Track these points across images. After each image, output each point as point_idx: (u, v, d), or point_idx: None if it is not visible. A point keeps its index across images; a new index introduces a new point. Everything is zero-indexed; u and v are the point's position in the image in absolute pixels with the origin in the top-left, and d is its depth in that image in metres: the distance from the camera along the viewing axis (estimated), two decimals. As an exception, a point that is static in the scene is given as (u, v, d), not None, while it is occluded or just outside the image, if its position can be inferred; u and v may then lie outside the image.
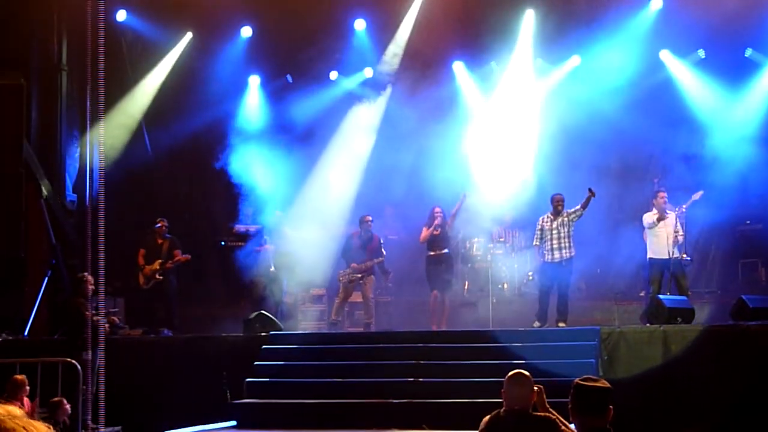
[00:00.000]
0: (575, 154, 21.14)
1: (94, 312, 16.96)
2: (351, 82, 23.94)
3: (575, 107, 21.62)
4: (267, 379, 16.22)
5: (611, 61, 21.56)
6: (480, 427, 8.20)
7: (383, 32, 23.30)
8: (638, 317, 17.94)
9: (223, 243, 21.63)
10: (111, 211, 22.53)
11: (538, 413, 8.08)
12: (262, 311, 18.73)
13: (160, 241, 19.87)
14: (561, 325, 17.86)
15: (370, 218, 19.87)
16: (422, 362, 15.86)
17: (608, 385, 7.05)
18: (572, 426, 7.98)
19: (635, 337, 15.42)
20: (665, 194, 18.31)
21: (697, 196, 18.48)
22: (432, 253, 19.41)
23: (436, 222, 19.38)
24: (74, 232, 21.42)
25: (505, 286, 21.76)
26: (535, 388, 8.19)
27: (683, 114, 21.70)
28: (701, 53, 22.01)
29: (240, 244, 20.47)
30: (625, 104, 21.46)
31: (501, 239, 22.02)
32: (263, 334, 17.50)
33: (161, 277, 19.61)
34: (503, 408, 8.11)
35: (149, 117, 23.24)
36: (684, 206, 18.29)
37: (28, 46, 21.52)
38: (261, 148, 21.36)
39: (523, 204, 21.44)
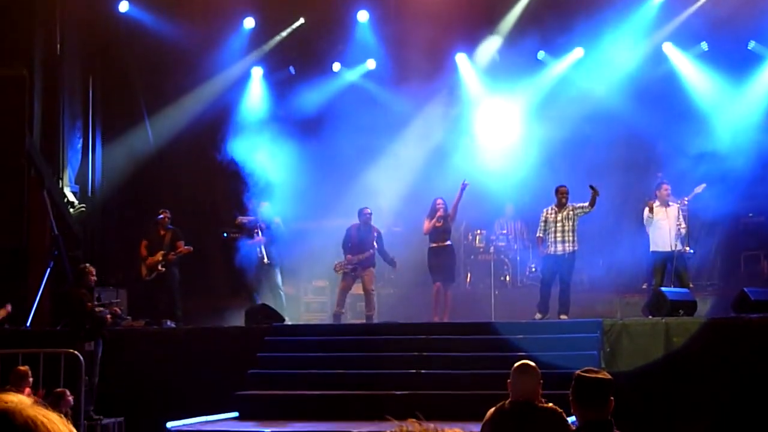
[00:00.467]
0: (578, 147, 21.12)
1: (96, 303, 17.03)
2: (354, 74, 23.92)
3: (578, 99, 21.62)
4: (269, 371, 16.23)
5: (614, 53, 21.55)
6: (485, 419, 8.19)
7: (386, 24, 23.26)
8: (640, 309, 17.92)
9: (225, 234, 21.62)
10: (113, 202, 22.74)
11: (545, 405, 8.07)
12: (264, 303, 18.76)
13: (162, 232, 19.85)
14: (563, 317, 17.85)
15: (369, 211, 19.86)
16: (424, 354, 15.87)
17: (609, 377, 7.07)
18: (570, 420, 7.99)
19: (637, 329, 15.43)
20: (669, 187, 18.30)
21: (699, 189, 18.47)
22: (434, 245, 19.39)
23: (438, 214, 19.36)
24: (76, 224, 21.46)
25: (508, 278, 21.78)
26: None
27: (686, 106, 21.66)
28: (704, 46, 21.98)
29: (241, 235, 20.45)
30: (628, 96, 21.45)
31: (503, 231, 22.03)
32: (265, 325, 17.51)
33: (164, 269, 19.59)
34: (509, 399, 8.10)
35: (151, 107, 23.27)
36: (686, 198, 18.29)
37: (31, 37, 21.50)
38: (263, 140, 21.34)
39: (525, 196, 21.44)
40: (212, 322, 19.32)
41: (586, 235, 19.08)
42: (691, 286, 17.86)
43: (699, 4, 21.39)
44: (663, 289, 16.52)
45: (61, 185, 21.59)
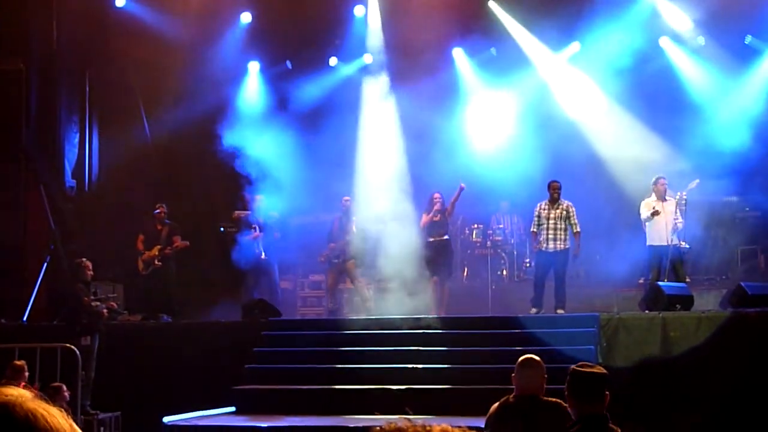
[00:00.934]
0: (574, 141, 21.14)
1: (92, 297, 17.02)
2: (350, 69, 23.92)
3: (575, 93, 21.64)
4: (266, 366, 16.24)
5: (611, 47, 21.55)
6: (489, 413, 8.19)
7: (383, 18, 23.25)
8: (637, 304, 17.93)
9: (222, 229, 21.61)
10: (110, 196, 22.70)
11: (549, 399, 8.07)
12: (262, 298, 18.76)
13: (159, 226, 19.85)
14: (560, 311, 17.87)
15: (348, 198, 19.92)
16: (421, 349, 15.87)
17: (603, 371, 7.07)
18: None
19: (634, 323, 15.42)
20: (665, 181, 18.32)
21: (693, 184, 18.48)
22: (431, 239, 19.40)
23: (435, 208, 19.38)
24: (73, 218, 21.44)
25: (505, 272, 21.80)
26: None
27: (683, 100, 21.68)
28: (701, 40, 21.99)
29: (238, 230, 20.44)
30: (625, 90, 21.47)
31: (500, 225, 22.03)
32: (262, 320, 17.52)
33: (160, 263, 19.59)
34: (513, 393, 8.11)
35: (148, 102, 23.27)
36: (684, 193, 18.28)
37: (28, 31, 21.48)
38: (260, 134, 21.31)
39: (522, 191, 21.42)
40: (209, 317, 19.32)
41: (583, 230, 19.08)
42: (687, 280, 17.87)
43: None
44: (660, 283, 16.52)
45: (57, 179, 21.57)
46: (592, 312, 16.53)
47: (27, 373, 13.69)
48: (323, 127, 21.54)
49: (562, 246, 18.29)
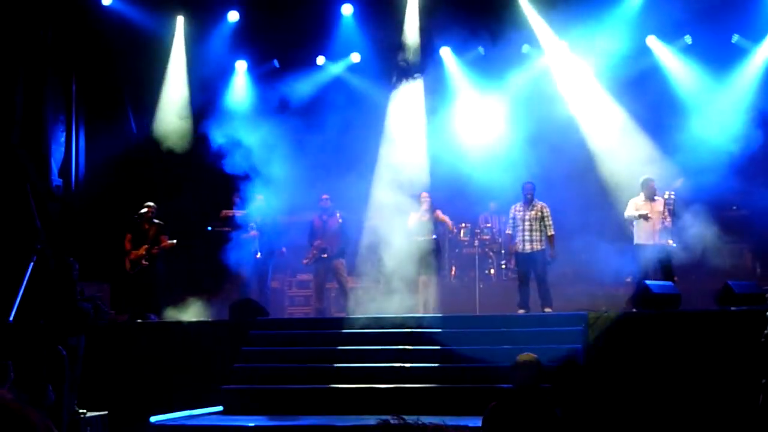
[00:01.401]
0: (561, 140, 21.15)
1: (79, 297, 16.95)
2: (338, 68, 23.94)
3: (563, 93, 21.66)
4: (254, 365, 16.22)
5: (598, 46, 21.58)
6: (487, 410, 8.24)
7: (371, 17, 23.26)
8: (625, 303, 17.96)
9: (210, 228, 21.59)
10: (97, 196, 22.65)
11: (544, 396, 8.15)
12: (249, 297, 18.75)
13: (147, 226, 19.81)
14: (547, 310, 17.90)
15: (327, 196, 19.94)
16: (409, 347, 15.87)
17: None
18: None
19: (622, 322, 15.43)
20: (654, 181, 18.36)
21: (677, 183, 18.57)
22: (420, 238, 19.39)
23: (423, 207, 19.38)
24: (60, 217, 21.37)
25: (492, 271, 21.81)
26: None
27: (670, 100, 21.72)
28: (688, 39, 22.04)
29: (227, 229, 20.40)
30: (611, 89, 21.51)
31: (488, 225, 22.04)
32: (250, 319, 17.49)
33: (147, 263, 19.57)
34: (511, 390, 8.17)
35: (135, 101, 23.25)
36: (672, 193, 18.31)
37: (13, 29, 21.40)
38: (247, 133, 21.29)
39: (509, 190, 21.42)
40: (196, 317, 19.30)
41: (570, 228, 19.10)
42: (675, 279, 17.89)
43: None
44: (647, 282, 16.53)
45: (44, 178, 21.51)
46: (580, 311, 16.54)
47: (13, 374, 13.62)
48: (310, 126, 21.54)
49: (538, 246, 18.36)
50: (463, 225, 22.04)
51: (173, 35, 23.14)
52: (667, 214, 18.11)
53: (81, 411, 15.61)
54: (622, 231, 19.08)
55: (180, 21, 23.25)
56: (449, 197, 21.32)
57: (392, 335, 16.42)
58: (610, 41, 21.59)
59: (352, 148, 21.86)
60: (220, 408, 15.29)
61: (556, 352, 14.37)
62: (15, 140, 20.63)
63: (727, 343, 14.42)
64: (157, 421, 14.39)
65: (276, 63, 23.90)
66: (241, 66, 23.90)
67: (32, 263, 19.34)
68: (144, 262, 19.54)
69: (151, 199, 20.25)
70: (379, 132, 22.06)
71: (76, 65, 22.80)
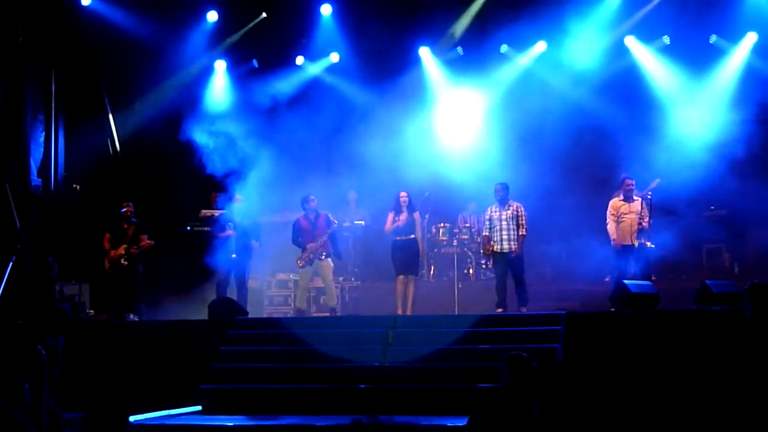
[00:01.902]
0: (541, 141, 21.21)
1: (58, 297, 16.93)
2: (317, 68, 23.95)
3: (541, 93, 21.70)
4: (233, 365, 16.19)
5: (577, 47, 21.64)
6: (474, 409, 8.29)
7: (350, 17, 23.28)
8: (603, 302, 18.00)
9: (189, 228, 21.57)
10: (76, 195, 22.58)
11: (533, 394, 8.22)
12: (228, 296, 18.72)
13: (126, 225, 19.77)
14: (523, 309, 17.92)
15: (313, 197, 19.89)
16: (388, 347, 15.87)
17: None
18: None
19: (600, 322, 15.48)
20: (632, 181, 18.43)
21: (654, 184, 18.65)
22: (398, 238, 19.40)
23: (402, 207, 19.39)
24: (39, 217, 21.30)
25: (471, 270, 21.83)
26: None
27: (649, 99, 21.80)
28: (666, 39, 22.13)
29: (205, 229, 20.36)
30: (590, 90, 21.58)
31: (467, 224, 22.06)
32: (229, 319, 17.46)
33: (126, 262, 19.53)
34: (501, 389, 8.23)
35: (114, 100, 23.22)
36: (649, 193, 18.39)
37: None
38: (226, 133, 21.26)
39: (488, 190, 21.46)
40: (175, 316, 19.27)
41: (548, 227, 19.16)
42: (653, 278, 17.95)
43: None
44: (625, 282, 16.56)
45: (23, 178, 21.44)
46: (558, 310, 16.58)
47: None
48: (289, 126, 21.54)
49: (515, 246, 18.37)
50: (442, 225, 22.05)
51: (153, 35, 23.09)
52: (645, 214, 18.17)
53: (59, 411, 15.58)
54: (600, 230, 19.10)
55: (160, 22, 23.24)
56: (428, 197, 21.41)
57: (371, 335, 16.41)
58: (589, 41, 21.66)
59: (331, 147, 21.90)
60: (198, 408, 15.26)
61: (534, 351, 14.39)
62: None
63: (704, 343, 14.49)
64: (135, 421, 14.36)
65: (255, 63, 23.90)
66: (220, 66, 23.89)
67: (11, 263, 19.32)
68: (123, 261, 19.50)
69: (130, 199, 20.22)
70: (358, 132, 22.03)
71: (55, 64, 22.75)
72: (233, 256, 19.61)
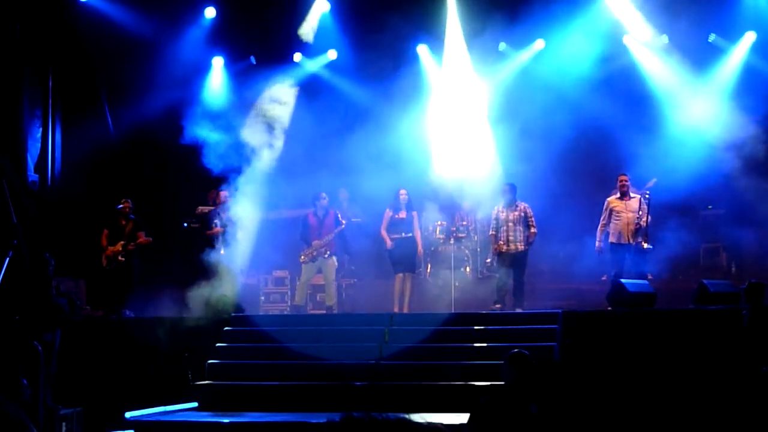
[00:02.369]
0: (539, 139, 21.19)
1: (55, 293, 16.91)
2: (314, 64, 23.92)
3: (540, 91, 21.69)
4: (229, 361, 16.20)
5: (576, 45, 21.63)
6: (475, 407, 8.28)
7: (347, 14, 23.27)
8: (599, 301, 18.00)
9: (185, 225, 21.55)
10: (73, 191, 22.58)
11: (533, 394, 8.22)
12: (224, 293, 18.71)
13: (123, 222, 19.75)
14: (518, 310, 17.92)
15: (324, 194, 19.90)
16: (385, 345, 15.87)
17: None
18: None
19: (596, 320, 15.48)
20: (627, 178, 18.44)
21: (650, 183, 18.67)
22: (396, 236, 19.41)
23: (401, 205, 19.40)
24: (36, 213, 21.30)
25: (468, 268, 21.82)
26: None
27: (646, 98, 21.80)
28: (664, 38, 22.12)
29: (201, 225, 20.34)
30: (589, 88, 21.56)
31: (463, 223, 22.05)
32: (225, 316, 17.47)
33: (123, 259, 19.52)
34: (501, 387, 8.23)
35: (112, 96, 23.19)
36: (647, 192, 18.39)
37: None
38: (224, 129, 21.24)
39: (486, 190, 21.45)
40: (172, 313, 19.26)
41: (546, 226, 19.15)
42: (650, 277, 17.96)
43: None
44: (622, 281, 16.58)
45: (20, 174, 21.43)
46: (555, 309, 16.59)
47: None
48: (288, 123, 21.50)
49: (521, 247, 18.41)
50: (439, 223, 22.04)
51: (150, 30, 23.08)
52: (643, 212, 18.18)
53: (56, 406, 15.58)
54: (597, 228, 19.08)
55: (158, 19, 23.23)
56: (427, 195, 21.40)
57: (368, 332, 16.42)
58: (588, 39, 21.66)
59: (329, 144, 21.85)
60: (194, 404, 15.27)
61: (531, 349, 14.36)
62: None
63: (702, 342, 14.50)
64: (131, 417, 14.36)
65: (253, 60, 23.88)
66: (217, 62, 23.87)
67: (8, 259, 19.30)
68: (120, 258, 19.49)
69: (127, 195, 20.20)
70: (356, 129, 22.00)
71: (52, 60, 22.73)
72: (221, 252, 19.57)
